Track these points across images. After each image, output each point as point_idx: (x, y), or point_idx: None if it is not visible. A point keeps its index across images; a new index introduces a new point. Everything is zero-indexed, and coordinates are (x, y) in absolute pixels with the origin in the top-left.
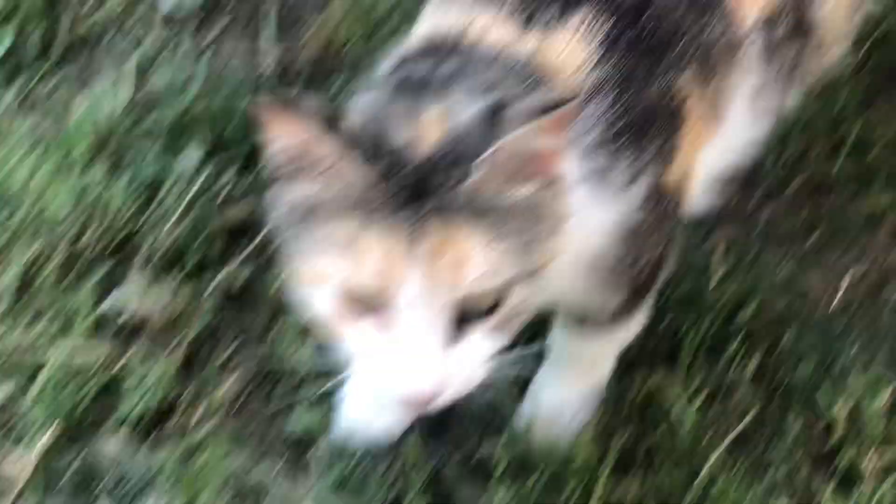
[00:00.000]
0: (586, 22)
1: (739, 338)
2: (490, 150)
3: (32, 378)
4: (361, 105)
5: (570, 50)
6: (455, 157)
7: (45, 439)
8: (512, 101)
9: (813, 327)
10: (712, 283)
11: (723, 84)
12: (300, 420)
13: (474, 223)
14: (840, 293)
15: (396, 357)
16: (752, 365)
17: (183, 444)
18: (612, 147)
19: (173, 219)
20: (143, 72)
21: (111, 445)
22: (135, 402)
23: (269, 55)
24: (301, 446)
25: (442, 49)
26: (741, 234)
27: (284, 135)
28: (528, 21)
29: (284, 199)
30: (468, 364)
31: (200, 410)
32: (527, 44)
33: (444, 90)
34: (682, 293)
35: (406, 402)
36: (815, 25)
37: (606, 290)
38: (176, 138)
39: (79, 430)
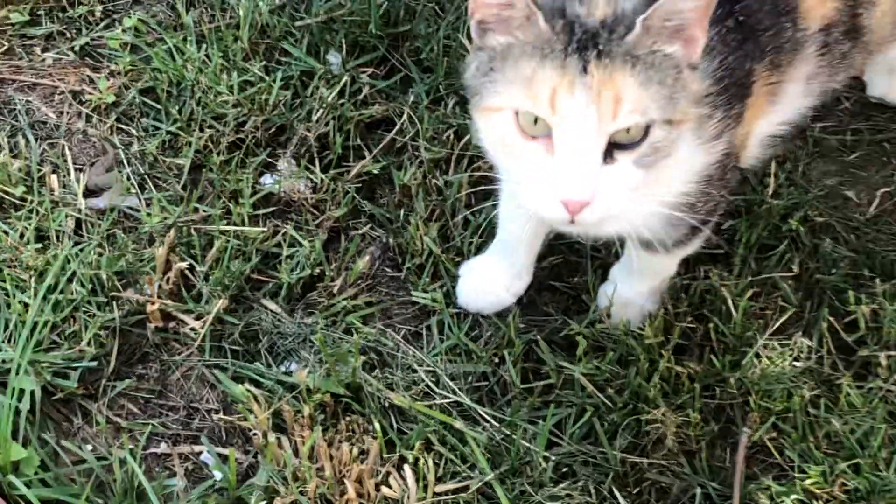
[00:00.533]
0: None
1: (786, 242)
2: (650, 10)
3: (204, 252)
4: None
5: None
6: (619, 24)
7: (216, 306)
8: None
9: (848, 236)
10: (768, 192)
11: (785, 74)
12: (422, 293)
13: (631, 69)
14: (874, 205)
15: (559, 169)
16: (795, 266)
17: (328, 312)
18: (714, 99)
19: (319, 113)
20: None
21: (268, 311)
22: (288, 273)
23: None
24: (422, 316)
25: None
26: (795, 148)
27: None
28: None
29: (488, 45)
30: (616, 184)
31: (341, 282)
32: None
33: None
34: (742, 200)
35: (565, 205)
36: (864, 30)
37: (672, 226)
38: (320, 40)
39: (242, 296)
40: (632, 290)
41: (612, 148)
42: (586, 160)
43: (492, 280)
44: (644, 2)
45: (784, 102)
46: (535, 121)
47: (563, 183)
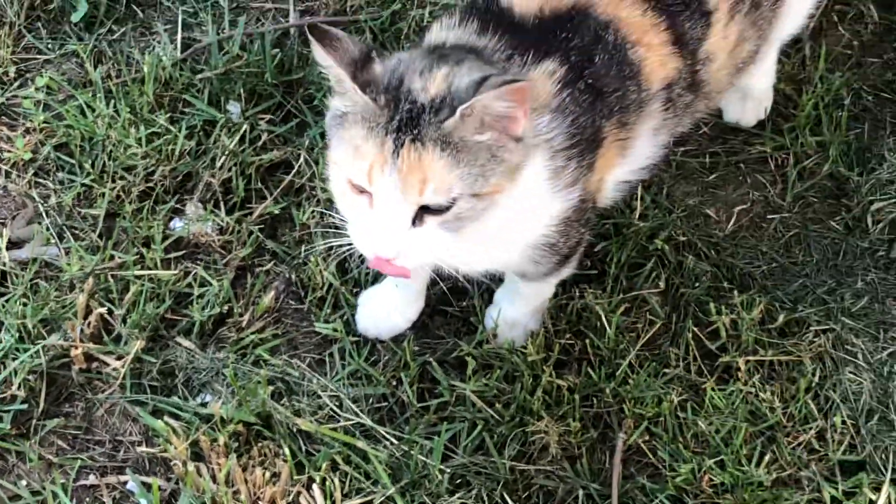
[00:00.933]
0: (552, 68)
1: (653, 260)
2: (468, 103)
3: (122, 296)
4: (399, 56)
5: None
6: (446, 105)
7: (134, 347)
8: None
9: (709, 252)
10: (636, 215)
11: (632, 131)
12: (324, 323)
13: (440, 153)
14: (732, 222)
15: (373, 228)
16: (661, 282)
17: (238, 346)
18: (569, 153)
19: (222, 160)
20: (189, 27)
21: (183, 348)
22: (200, 312)
23: (292, 12)
24: (325, 344)
25: (461, 48)
26: (659, 172)
27: (324, 62)
28: (510, 59)
29: (331, 106)
30: (422, 243)
31: (248, 316)
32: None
33: (457, 63)
34: (612, 223)
35: (376, 260)
36: (704, 83)
37: (538, 262)
38: (220, 91)
39: (158, 336)
40: (515, 312)
41: (423, 211)
42: (393, 226)
43: (388, 308)
44: (478, 81)
45: (634, 154)
46: None
47: (373, 240)
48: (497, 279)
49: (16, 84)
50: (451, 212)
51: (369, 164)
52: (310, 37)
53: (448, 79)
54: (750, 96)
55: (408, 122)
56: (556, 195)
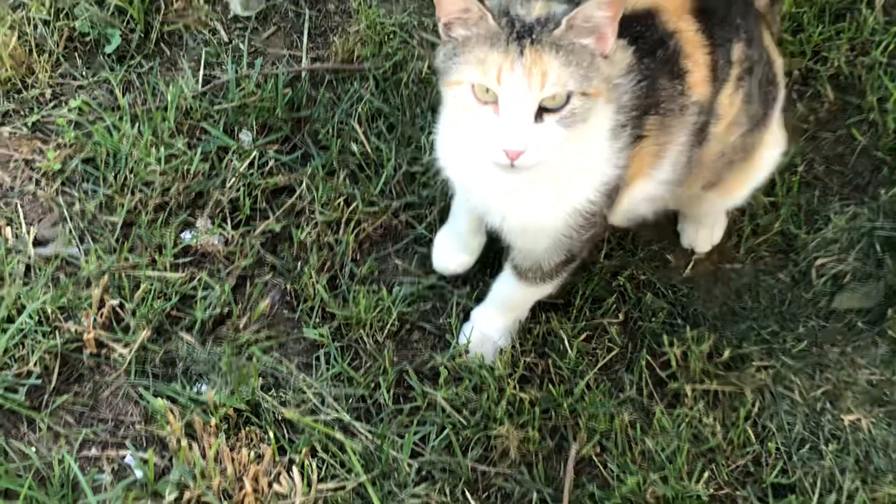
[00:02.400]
0: (624, 43)
1: (615, 295)
2: (572, 13)
3: (133, 293)
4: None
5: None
6: (551, 20)
7: (140, 337)
8: None
9: (667, 292)
10: (602, 253)
11: (669, 135)
12: (313, 329)
13: (556, 53)
14: (689, 267)
15: (503, 126)
16: (621, 315)
17: (234, 344)
18: (628, 115)
19: (231, 181)
20: (210, 66)
21: (184, 342)
22: (202, 311)
23: (304, 58)
24: (312, 349)
25: None
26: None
27: (453, 3)
28: None
29: (452, 37)
30: (544, 138)
31: (245, 319)
32: None
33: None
34: (581, 261)
35: (506, 153)
36: (708, 137)
37: (568, 237)
38: (234, 121)
39: (163, 329)
40: (490, 327)
41: (542, 111)
42: (522, 119)
43: (456, 244)
44: (571, 9)
45: (659, 172)
46: (487, 90)
47: (505, 136)
48: (475, 298)
49: (51, 104)
50: (566, 108)
51: (498, 67)
52: None
53: (546, 7)
54: (704, 224)
55: (523, 33)
56: (610, 156)
